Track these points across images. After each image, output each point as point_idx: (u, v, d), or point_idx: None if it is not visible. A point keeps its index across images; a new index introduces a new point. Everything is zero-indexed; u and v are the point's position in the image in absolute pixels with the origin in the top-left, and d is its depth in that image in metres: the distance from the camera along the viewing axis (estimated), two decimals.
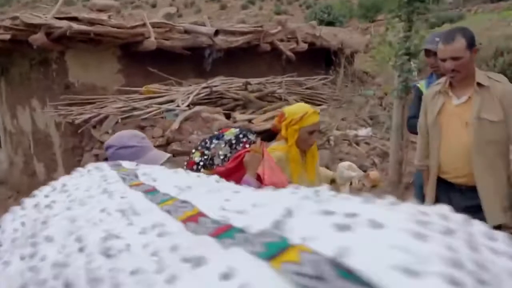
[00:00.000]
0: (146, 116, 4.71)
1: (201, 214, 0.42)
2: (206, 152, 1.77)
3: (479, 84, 2.13)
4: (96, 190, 0.56)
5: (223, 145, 1.76)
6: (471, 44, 2.09)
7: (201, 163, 1.75)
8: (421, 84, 2.88)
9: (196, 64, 6.34)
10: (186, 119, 4.83)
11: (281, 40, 7.08)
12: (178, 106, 4.94)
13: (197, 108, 5.03)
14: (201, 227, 0.39)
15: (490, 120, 2.09)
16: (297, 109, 2.09)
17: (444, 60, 2.12)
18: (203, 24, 6.03)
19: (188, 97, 5.15)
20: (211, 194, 0.49)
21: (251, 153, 1.69)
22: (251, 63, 6.97)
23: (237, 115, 5.21)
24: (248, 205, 0.40)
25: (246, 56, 6.81)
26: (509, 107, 2.08)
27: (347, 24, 19.32)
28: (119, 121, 4.60)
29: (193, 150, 1.85)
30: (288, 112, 2.05)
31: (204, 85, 5.55)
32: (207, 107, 5.20)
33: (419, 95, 2.70)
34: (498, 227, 2.07)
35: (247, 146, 1.75)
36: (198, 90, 5.34)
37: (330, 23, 16.61)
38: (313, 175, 2.14)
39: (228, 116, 5.32)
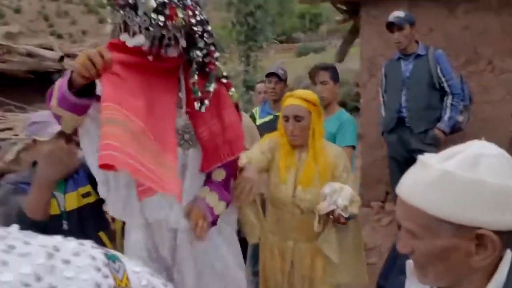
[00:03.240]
0: None
1: None
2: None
3: None
4: None
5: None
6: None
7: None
8: (256, 110, 3.02)
9: (44, 89, 5.92)
10: (25, 148, 4.47)
11: None
12: (16, 135, 4.55)
13: None
14: None
15: None
16: None
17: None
18: (51, 47, 5.72)
19: None
20: None
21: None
22: None
23: None
24: None
25: None
26: None
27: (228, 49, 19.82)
28: None
29: None
30: None
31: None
32: None
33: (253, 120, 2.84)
34: None
35: (180, 13, 1.14)
36: None
37: None
38: (309, 180, 1.80)
39: None
